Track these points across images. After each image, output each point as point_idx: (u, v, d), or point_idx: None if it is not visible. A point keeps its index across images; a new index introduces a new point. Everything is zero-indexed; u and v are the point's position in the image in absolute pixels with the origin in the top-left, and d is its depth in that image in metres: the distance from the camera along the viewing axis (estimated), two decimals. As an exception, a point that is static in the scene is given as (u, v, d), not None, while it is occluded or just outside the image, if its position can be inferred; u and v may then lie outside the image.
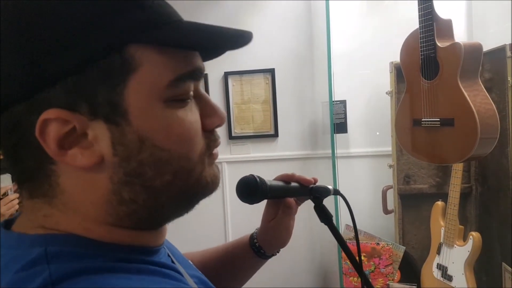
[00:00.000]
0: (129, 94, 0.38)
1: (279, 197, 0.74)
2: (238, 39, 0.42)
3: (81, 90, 0.37)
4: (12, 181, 0.44)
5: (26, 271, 0.36)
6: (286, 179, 0.72)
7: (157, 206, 0.43)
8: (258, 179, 0.66)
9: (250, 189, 0.66)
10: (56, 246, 0.39)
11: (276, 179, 0.73)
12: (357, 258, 0.71)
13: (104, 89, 0.37)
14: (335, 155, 1.91)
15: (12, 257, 0.39)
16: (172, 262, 0.50)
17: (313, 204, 0.74)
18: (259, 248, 0.76)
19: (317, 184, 0.75)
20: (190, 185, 0.44)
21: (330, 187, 0.76)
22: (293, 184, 0.73)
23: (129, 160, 0.40)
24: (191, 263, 0.61)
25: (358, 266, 0.69)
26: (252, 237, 0.77)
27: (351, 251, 0.72)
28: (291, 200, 0.75)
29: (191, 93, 0.43)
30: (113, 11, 0.37)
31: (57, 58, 0.36)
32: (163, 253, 0.49)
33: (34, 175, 0.40)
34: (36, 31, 0.36)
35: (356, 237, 0.74)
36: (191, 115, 0.43)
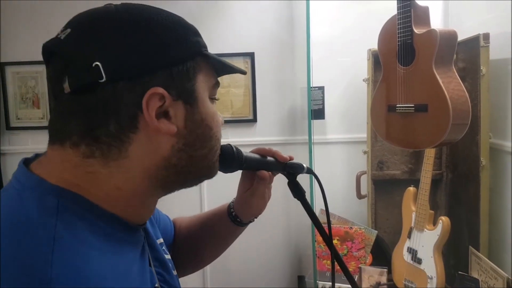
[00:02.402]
0: (198, 86, 0.55)
1: (254, 169, 0.75)
2: (240, 72, 0.63)
3: (175, 79, 0.52)
4: None
5: (39, 213, 0.45)
6: (263, 152, 0.75)
7: (186, 172, 0.55)
8: (235, 149, 0.68)
9: (226, 158, 0.67)
10: (68, 201, 0.47)
11: (253, 151, 0.75)
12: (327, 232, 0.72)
13: (186, 81, 0.53)
14: (312, 141, 1.92)
15: (27, 196, 0.47)
16: (143, 245, 0.60)
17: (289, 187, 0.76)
18: (235, 217, 0.80)
19: (292, 161, 0.77)
20: (211, 163, 0.59)
21: (305, 165, 0.77)
22: (269, 158, 0.75)
23: (192, 133, 0.54)
24: (162, 248, 0.70)
25: (328, 239, 0.70)
26: (229, 206, 0.81)
27: (323, 226, 0.73)
28: (265, 172, 0.76)
29: None
30: (197, 36, 0.56)
31: (167, 55, 0.51)
32: (139, 234, 0.59)
33: (107, 140, 0.49)
34: (161, 37, 0.52)
35: (326, 209, 0.75)
36: None
